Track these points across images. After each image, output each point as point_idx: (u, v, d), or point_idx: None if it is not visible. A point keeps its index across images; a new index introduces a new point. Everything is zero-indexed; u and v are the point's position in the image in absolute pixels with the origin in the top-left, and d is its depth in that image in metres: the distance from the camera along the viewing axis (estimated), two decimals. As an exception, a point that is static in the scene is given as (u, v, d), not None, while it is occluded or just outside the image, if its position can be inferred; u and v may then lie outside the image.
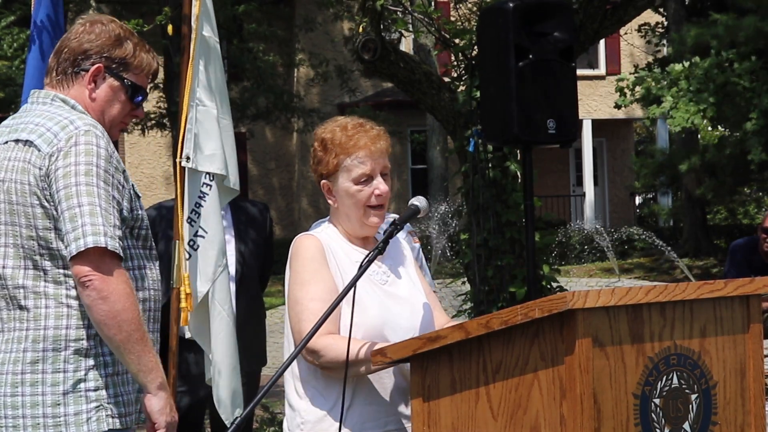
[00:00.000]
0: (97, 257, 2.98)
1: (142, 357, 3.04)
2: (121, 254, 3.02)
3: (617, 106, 18.67)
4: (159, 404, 3.10)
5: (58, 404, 3.07)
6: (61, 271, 3.07)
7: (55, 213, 3.04)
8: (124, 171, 3.15)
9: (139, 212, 3.20)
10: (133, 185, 3.21)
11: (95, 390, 3.09)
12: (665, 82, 17.30)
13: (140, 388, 3.16)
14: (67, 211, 3.00)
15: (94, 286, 2.98)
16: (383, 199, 3.48)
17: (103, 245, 2.97)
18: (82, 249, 2.96)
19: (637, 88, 17.95)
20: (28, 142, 3.10)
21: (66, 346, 3.07)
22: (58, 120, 3.12)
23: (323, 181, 3.50)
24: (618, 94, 18.14)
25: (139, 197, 3.22)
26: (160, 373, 3.09)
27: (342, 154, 3.44)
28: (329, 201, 3.51)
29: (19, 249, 3.09)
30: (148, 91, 3.35)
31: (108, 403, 3.10)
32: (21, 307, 3.09)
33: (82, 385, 3.08)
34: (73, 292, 3.08)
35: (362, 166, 3.44)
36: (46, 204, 3.05)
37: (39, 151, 3.07)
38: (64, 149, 3.04)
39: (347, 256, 3.48)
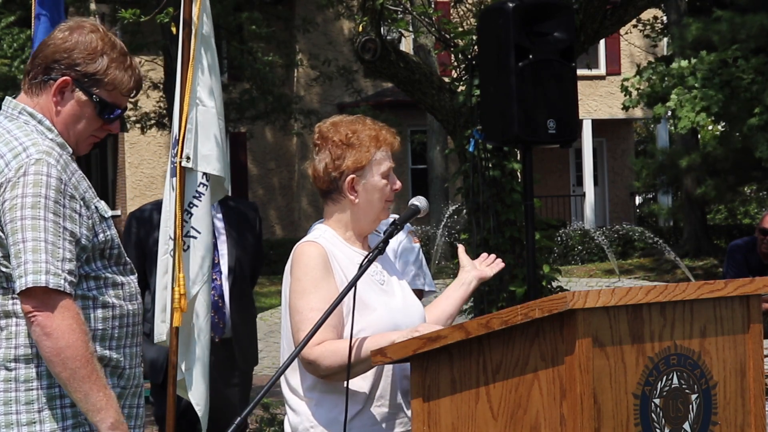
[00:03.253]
0: (41, 294, 2.89)
1: (90, 395, 2.92)
2: (68, 290, 2.92)
3: (625, 108, 18.68)
4: None
5: (34, 422, 2.99)
6: None
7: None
8: (83, 198, 3.04)
9: (108, 233, 3.11)
10: (97, 207, 3.10)
11: (72, 406, 3.01)
12: (669, 82, 17.30)
13: (129, 412, 3.11)
14: (12, 247, 2.93)
15: (37, 322, 2.90)
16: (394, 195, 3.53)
17: (43, 284, 2.88)
18: (23, 288, 2.89)
19: (642, 84, 17.96)
20: None
21: (38, 363, 2.99)
22: (13, 146, 3.01)
23: (351, 176, 3.43)
24: (624, 94, 18.15)
25: (105, 219, 3.12)
26: (111, 412, 2.94)
27: (374, 147, 3.44)
28: (351, 197, 3.45)
29: None
30: (126, 107, 3.23)
31: (86, 420, 3.01)
32: None
33: (57, 402, 3.00)
34: None
35: (389, 161, 3.48)
36: (0, 234, 2.98)
37: None
38: (12, 180, 2.95)
39: (349, 259, 3.45)
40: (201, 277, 5.07)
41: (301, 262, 3.39)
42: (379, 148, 3.44)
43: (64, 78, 3.08)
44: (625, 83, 18.09)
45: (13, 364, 3.00)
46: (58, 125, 3.11)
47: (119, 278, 3.14)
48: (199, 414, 5.10)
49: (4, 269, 3.00)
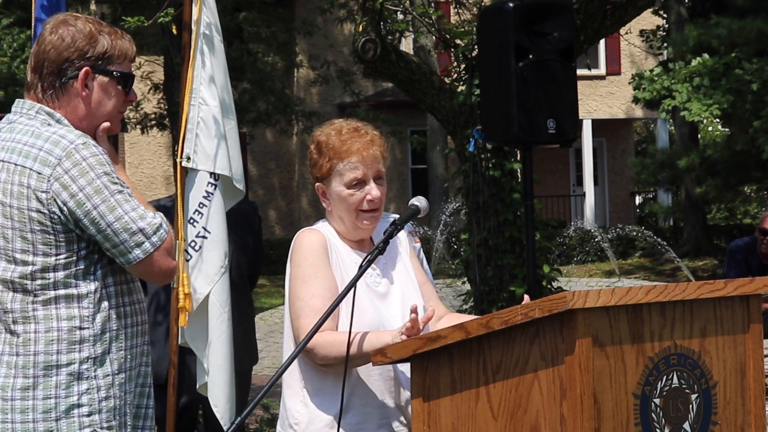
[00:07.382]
0: (166, 246, 3.10)
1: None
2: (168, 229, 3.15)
3: (636, 100, 18.75)
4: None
5: (51, 431, 3.01)
6: (52, 292, 3.03)
7: (61, 237, 3.02)
8: None
9: None
10: None
11: (89, 415, 3.04)
12: (678, 79, 17.37)
13: (136, 412, 3.16)
14: (116, 223, 3.03)
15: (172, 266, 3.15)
16: (375, 204, 3.49)
17: (166, 235, 3.10)
18: (151, 250, 3.06)
19: (644, 80, 18.06)
20: (22, 166, 3.04)
21: (58, 372, 3.02)
22: (48, 136, 3.06)
23: (318, 183, 3.53)
24: (633, 88, 18.24)
25: None
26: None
27: (335, 158, 3.47)
28: (323, 203, 3.55)
29: (9, 273, 3.05)
30: (134, 74, 3.32)
31: (101, 428, 3.05)
32: (11, 332, 3.04)
33: (75, 411, 3.03)
34: (64, 313, 3.04)
35: (354, 171, 3.46)
36: (49, 227, 3.02)
37: (39, 174, 3.02)
38: (72, 169, 3.01)
39: (348, 255, 3.50)
40: (213, 276, 5.06)
41: (302, 248, 3.44)
42: (342, 159, 3.46)
43: (84, 69, 3.15)
44: (637, 77, 18.24)
45: (31, 371, 3.02)
46: (86, 119, 3.17)
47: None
48: (218, 416, 5.09)
49: (36, 267, 3.02)
